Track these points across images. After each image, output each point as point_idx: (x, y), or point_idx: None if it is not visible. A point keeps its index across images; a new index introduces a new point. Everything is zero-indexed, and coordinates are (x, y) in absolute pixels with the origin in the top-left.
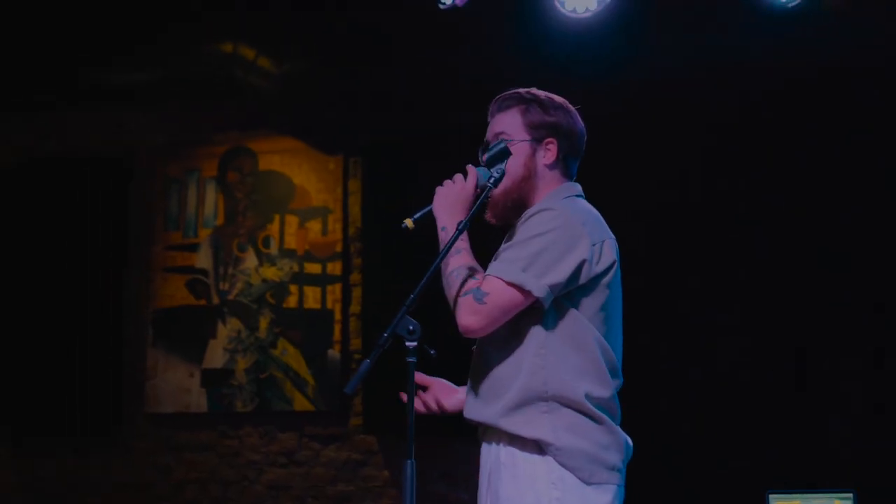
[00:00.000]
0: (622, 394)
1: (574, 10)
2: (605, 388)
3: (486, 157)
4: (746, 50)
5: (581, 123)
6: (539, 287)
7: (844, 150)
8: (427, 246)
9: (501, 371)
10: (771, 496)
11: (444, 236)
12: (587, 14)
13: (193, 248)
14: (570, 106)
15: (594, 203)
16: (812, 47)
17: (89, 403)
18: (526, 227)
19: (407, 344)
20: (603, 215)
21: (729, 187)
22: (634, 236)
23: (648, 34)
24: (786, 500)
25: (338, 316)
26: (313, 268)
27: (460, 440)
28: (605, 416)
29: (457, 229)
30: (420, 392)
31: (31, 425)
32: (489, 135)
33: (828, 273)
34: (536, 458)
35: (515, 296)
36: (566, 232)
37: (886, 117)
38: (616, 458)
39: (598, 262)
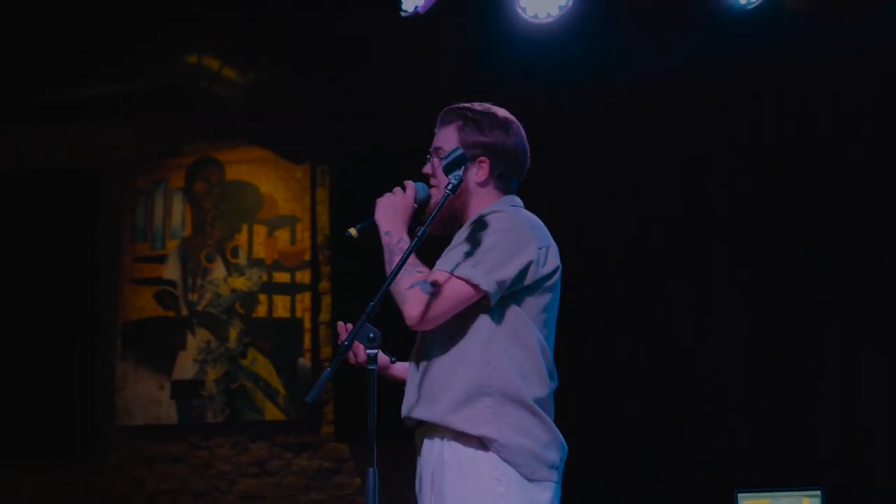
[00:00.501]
0: (607, 394)
1: (536, 16)
2: (545, 387)
3: (443, 163)
4: (707, 53)
5: (523, 141)
6: (488, 282)
7: (819, 151)
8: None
9: (446, 368)
10: (740, 495)
11: (389, 240)
12: (549, 19)
13: (161, 259)
14: (512, 122)
15: (561, 203)
16: (773, 49)
17: (62, 418)
18: (475, 227)
19: (367, 352)
20: (559, 222)
21: (699, 191)
22: (599, 241)
23: (607, 39)
24: (754, 499)
25: (307, 324)
26: (282, 277)
27: None
28: (545, 414)
29: (415, 237)
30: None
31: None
32: (431, 147)
33: (804, 275)
34: (480, 454)
35: (464, 289)
36: (515, 233)
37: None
38: (555, 456)
39: (543, 265)
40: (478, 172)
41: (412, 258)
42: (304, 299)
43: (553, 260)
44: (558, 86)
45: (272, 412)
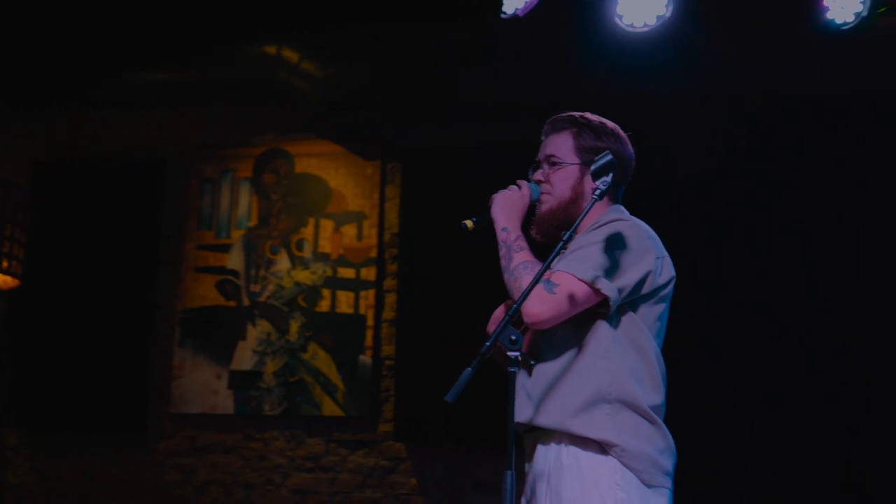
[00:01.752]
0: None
1: (632, 25)
2: (659, 395)
3: (593, 168)
4: (801, 70)
5: (631, 150)
6: (610, 287)
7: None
8: (465, 257)
9: (566, 375)
10: None
11: (505, 236)
12: (645, 29)
13: (225, 248)
14: (621, 132)
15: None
16: (867, 68)
17: (116, 401)
18: (597, 233)
19: (509, 353)
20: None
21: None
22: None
23: (702, 52)
24: None
25: (370, 322)
26: (347, 272)
27: (486, 449)
28: (660, 421)
29: (561, 241)
30: None
31: (53, 422)
32: (541, 155)
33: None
34: (600, 458)
35: (586, 292)
36: (636, 242)
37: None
38: (669, 462)
39: (660, 275)
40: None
41: (530, 253)
42: (369, 296)
43: (668, 270)
44: (651, 96)
45: (330, 408)
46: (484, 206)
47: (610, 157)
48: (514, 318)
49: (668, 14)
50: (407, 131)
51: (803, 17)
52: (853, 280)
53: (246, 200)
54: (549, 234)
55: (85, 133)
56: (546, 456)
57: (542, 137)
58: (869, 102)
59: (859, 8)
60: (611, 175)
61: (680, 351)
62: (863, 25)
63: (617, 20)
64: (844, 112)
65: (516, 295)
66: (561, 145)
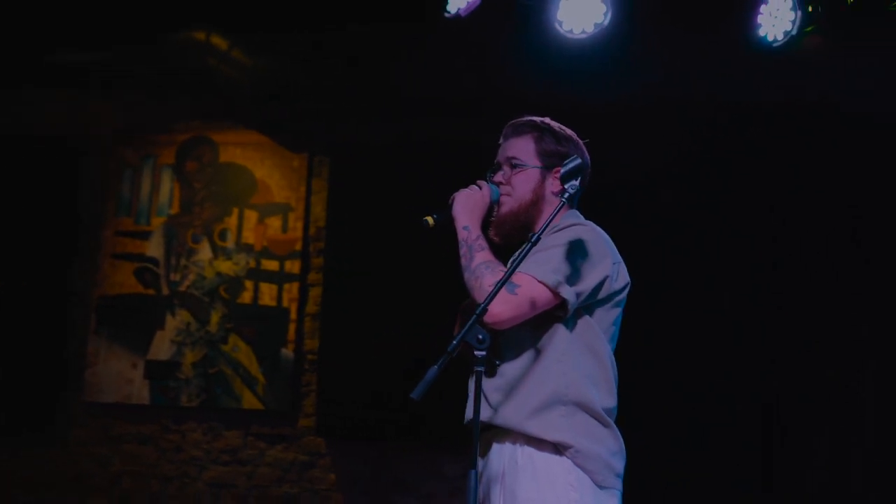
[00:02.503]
0: None
1: (571, 31)
2: (613, 398)
3: (562, 171)
4: (729, 82)
5: (587, 156)
6: (569, 291)
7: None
8: (392, 253)
9: (523, 377)
10: None
11: (466, 234)
12: (583, 35)
13: (145, 235)
14: (578, 139)
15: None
16: (791, 84)
17: (28, 390)
18: (556, 237)
19: (476, 353)
20: None
21: (696, 210)
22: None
23: (640, 59)
24: None
25: (293, 315)
26: (271, 265)
27: (408, 447)
28: (613, 424)
29: (528, 241)
30: None
31: None
32: (501, 157)
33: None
34: (554, 458)
35: (545, 294)
36: (595, 247)
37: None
38: (621, 464)
39: (616, 280)
40: (554, 183)
41: (493, 257)
42: (292, 289)
43: (624, 276)
44: (585, 99)
45: (250, 401)
46: (413, 204)
47: (579, 161)
48: (481, 318)
49: (606, 22)
50: (336, 125)
51: (736, 33)
52: (795, 279)
53: (168, 187)
54: (508, 235)
55: (2, 112)
56: (501, 455)
57: (501, 140)
58: (800, 113)
59: (789, 27)
60: (579, 179)
61: (627, 353)
62: (791, 43)
63: (556, 25)
64: (779, 121)
65: (476, 293)
66: (522, 148)
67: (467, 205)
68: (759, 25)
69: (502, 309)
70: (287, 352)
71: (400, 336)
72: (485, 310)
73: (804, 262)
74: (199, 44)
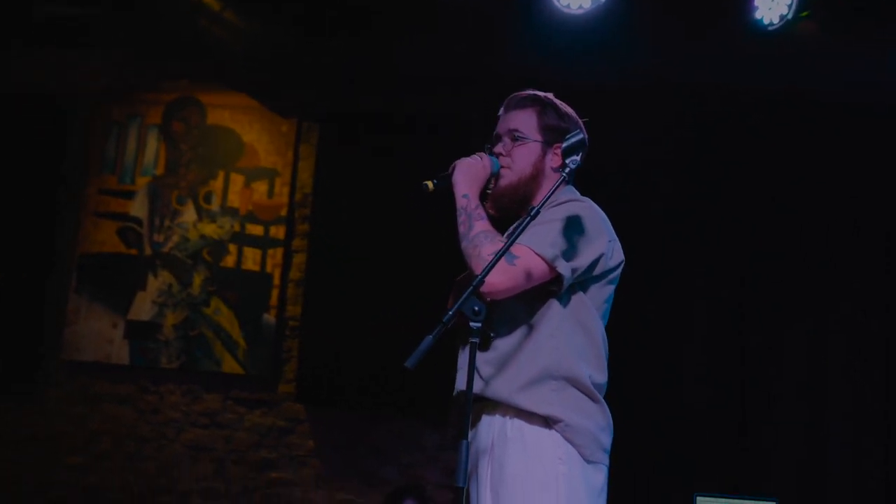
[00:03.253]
0: None
1: (568, 6)
2: (603, 374)
3: (564, 145)
4: (726, 63)
5: (586, 134)
6: (565, 266)
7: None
8: (377, 222)
9: (515, 350)
10: (698, 498)
11: (466, 203)
12: (580, 10)
13: (129, 194)
14: (577, 117)
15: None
16: (785, 69)
17: (4, 347)
18: (554, 212)
19: (471, 324)
20: None
21: (696, 193)
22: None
23: (637, 38)
24: (711, 502)
25: (276, 281)
26: (255, 229)
27: (386, 415)
28: (602, 399)
29: (527, 215)
30: None
31: None
32: (501, 129)
33: (766, 287)
34: (544, 432)
35: (542, 267)
36: (592, 224)
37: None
38: (608, 440)
39: (611, 258)
40: (554, 158)
41: (492, 227)
42: (276, 255)
43: (619, 253)
44: (574, 79)
45: (230, 365)
46: (400, 175)
47: (581, 135)
48: (478, 290)
49: None
50: (327, 93)
51: (734, 15)
52: (795, 266)
53: (153, 147)
54: (505, 208)
55: None
56: (490, 426)
57: (502, 112)
58: (798, 99)
59: (785, 10)
60: (580, 154)
61: (621, 333)
62: (786, 27)
63: (554, 0)
64: (778, 105)
65: (474, 262)
66: (525, 121)
67: (469, 173)
68: (756, 8)
69: (500, 279)
70: (269, 317)
71: (383, 306)
72: (483, 279)
73: (818, 253)
74: (190, 2)
